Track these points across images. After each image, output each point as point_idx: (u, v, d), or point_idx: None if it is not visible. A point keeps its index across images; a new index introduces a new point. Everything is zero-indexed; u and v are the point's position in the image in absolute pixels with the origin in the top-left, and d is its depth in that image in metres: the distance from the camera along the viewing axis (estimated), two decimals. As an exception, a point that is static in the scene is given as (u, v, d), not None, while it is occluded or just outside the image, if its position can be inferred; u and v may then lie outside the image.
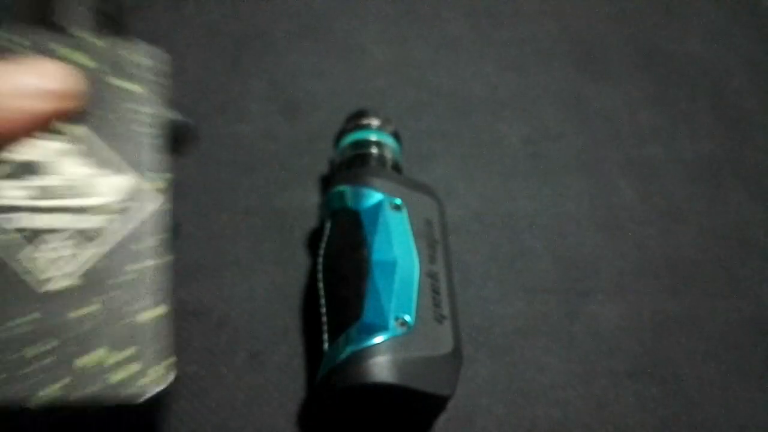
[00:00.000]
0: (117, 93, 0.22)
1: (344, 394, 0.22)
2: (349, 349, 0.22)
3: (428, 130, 0.36)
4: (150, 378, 0.19)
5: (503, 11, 0.42)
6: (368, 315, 0.23)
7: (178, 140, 0.24)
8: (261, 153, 0.33)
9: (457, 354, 0.23)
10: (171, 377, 0.19)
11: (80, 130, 0.22)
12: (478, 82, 0.38)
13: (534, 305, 0.29)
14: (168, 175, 0.22)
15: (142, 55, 0.23)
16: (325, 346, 0.23)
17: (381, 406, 0.23)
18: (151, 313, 0.20)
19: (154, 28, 0.39)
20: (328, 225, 0.27)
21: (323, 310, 0.24)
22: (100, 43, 0.23)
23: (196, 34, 0.39)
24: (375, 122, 0.30)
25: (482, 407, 0.26)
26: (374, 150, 0.29)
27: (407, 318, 0.22)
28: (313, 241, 0.30)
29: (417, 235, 0.25)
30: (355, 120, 0.30)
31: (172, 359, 0.20)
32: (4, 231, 0.20)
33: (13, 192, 0.20)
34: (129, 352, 0.19)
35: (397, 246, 0.24)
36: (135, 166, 0.22)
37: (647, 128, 0.36)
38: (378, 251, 0.24)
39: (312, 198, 0.32)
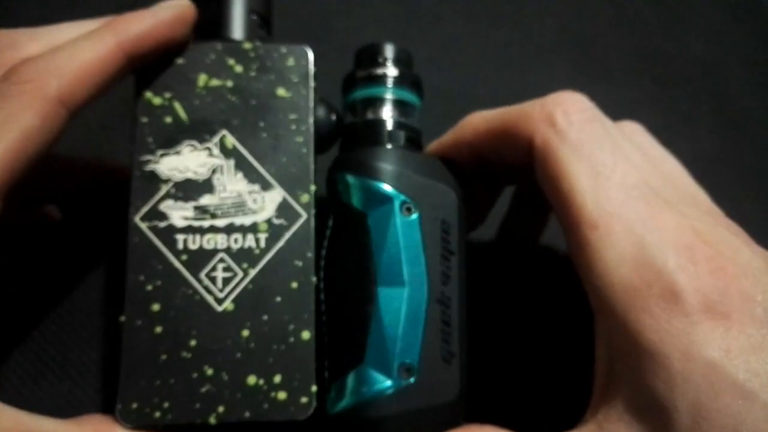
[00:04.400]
0: (264, 99, 0.23)
1: None
2: (350, 399, 0.21)
3: (428, 130, 0.36)
4: (294, 407, 0.20)
5: (503, 11, 0.42)
6: (371, 359, 0.21)
7: (321, 139, 0.24)
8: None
9: (462, 399, 0.22)
10: (313, 406, 0.20)
11: (230, 141, 0.23)
12: (478, 82, 0.38)
13: (534, 306, 0.29)
14: (313, 187, 0.23)
15: (287, 56, 0.24)
16: (326, 373, 0.23)
17: None
18: (297, 338, 0.21)
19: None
20: (330, 221, 0.24)
21: (323, 319, 0.23)
22: (248, 46, 0.23)
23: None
24: (392, 72, 0.25)
25: (482, 408, 0.26)
26: (390, 115, 0.25)
27: (412, 363, 0.21)
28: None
29: (429, 248, 0.22)
30: (368, 66, 0.26)
31: (315, 387, 0.21)
32: (177, 252, 0.21)
33: (178, 212, 0.22)
34: (276, 379, 0.21)
35: (407, 265, 0.22)
36: (281, 180, 0.22)
37: (647, 128, 0.36)
38: (385, 273, 0.22)
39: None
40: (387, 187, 0.23)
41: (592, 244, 0.19)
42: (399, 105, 0.25)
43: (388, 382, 0.21)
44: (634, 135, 0.25)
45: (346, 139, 0.26)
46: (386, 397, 0.21)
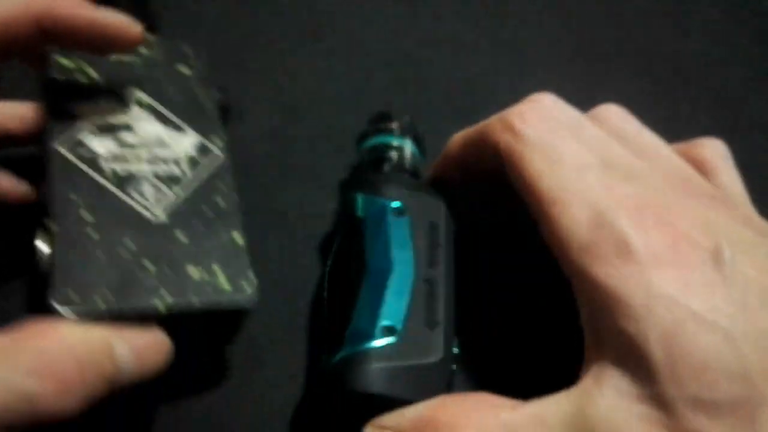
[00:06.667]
0: (170, 73, 0.27)
1: (330, 401, 0.23)
2: (338, 356, 0.22)
3: (429, 130, 0.36)
4: (239, 294, 0.22)
5: (503, 11, 0.42)
6: (357, 322, 0.23)
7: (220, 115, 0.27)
8: (261, 153, 0.33)
9: (446, 362, 0.23)
10: (256, 295, 0.22)
11: (144, 99, 0.25)
12: (478, 81, 0.38)
13: (534, 305, 0.29)
14: (224, 136, 0.26)
15: (182, 47, 0.28)
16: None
17: (369, 414, 0.23)
18: (229, 238, 0.23)
19: (154, 27, 0.39)
20: (338, 237, 0.27)
21: (326, 319, 0.25)
22: (150, 37, 0.27)
23: (196, 35, 0.39)
24: (395, 125, 0.30)
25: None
26: (392, 154, 0.29)
27: (395, 325, 0.23)
28: (314, 241, 0.30)
29: (417, 240, 0.25)
30: (376, 123, 0.31)
31: (255, 280, 0.22)
32: (105, 176, 0.23)
33: (101, 144, 0.23)
34: (215, 268, 0.22)
35: (395, 252, 0.25)
36: (196, 129, 0.26)
37: (647, 127, 0.36)
38: (374, 259, 0.24)
39: (312, 198, 0.31)
40: (384, 198, 0.26)
41: (554, 216, 0.22)
42: (401, 149, 0.30)
43: (371, 339, 0.23)
44: (608, 119, 0.27)
45: (358, 168, 0.30)
46: (370, 351, 0.22)
